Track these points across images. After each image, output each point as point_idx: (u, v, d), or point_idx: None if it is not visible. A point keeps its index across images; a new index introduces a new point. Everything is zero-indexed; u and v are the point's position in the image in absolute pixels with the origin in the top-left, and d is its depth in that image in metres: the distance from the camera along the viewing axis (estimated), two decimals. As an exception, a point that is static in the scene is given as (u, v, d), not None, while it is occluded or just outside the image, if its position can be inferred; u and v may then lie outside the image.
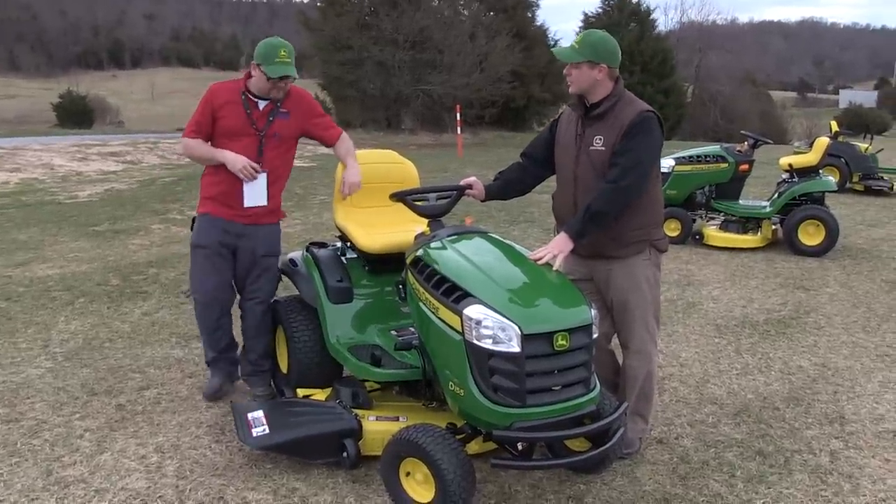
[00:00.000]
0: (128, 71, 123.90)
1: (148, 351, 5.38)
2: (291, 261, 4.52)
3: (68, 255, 8.39)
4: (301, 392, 4.17)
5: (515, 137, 29.34)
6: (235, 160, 4.17)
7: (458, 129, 21.77)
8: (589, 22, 38.41)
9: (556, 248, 3.49)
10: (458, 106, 22.29)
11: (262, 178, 4.26)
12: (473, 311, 3.07)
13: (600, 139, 3.62)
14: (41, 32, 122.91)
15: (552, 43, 37.21)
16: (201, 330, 4.56)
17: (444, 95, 28.44)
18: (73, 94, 49.32)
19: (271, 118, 4.27)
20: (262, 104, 4.27)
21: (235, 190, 4.26)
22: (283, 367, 4.50)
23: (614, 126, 3.59)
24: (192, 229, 4.46)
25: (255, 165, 4.20)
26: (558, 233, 3.92)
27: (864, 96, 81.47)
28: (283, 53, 4.11)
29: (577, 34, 3.73)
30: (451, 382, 3.24)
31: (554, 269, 3.43)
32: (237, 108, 4.25)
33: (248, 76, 4.29)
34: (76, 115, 45.21)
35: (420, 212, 3.80)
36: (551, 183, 3.96)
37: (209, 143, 4.33)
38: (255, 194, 4.26)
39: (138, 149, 20.23)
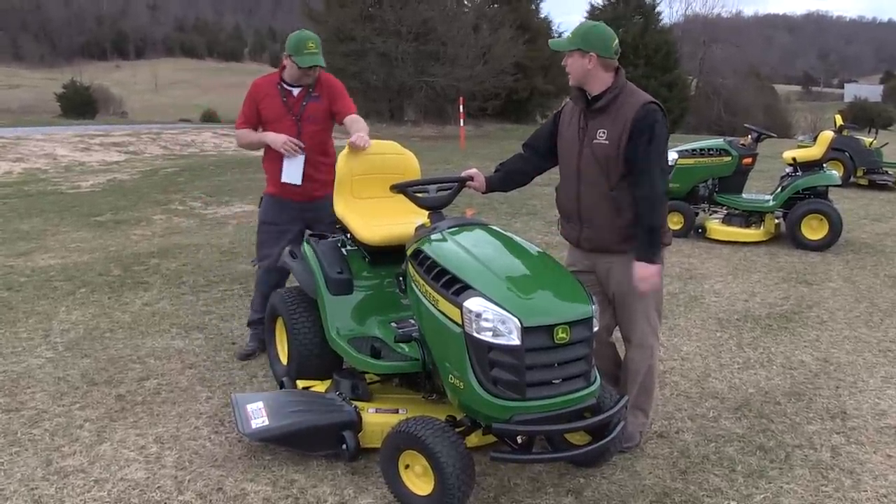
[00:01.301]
0: (131, 61, 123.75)
1: (148, 341, 5.37)
2: (291, 252, 4.51)
3: (70, 245, 8.39)
4: (301, 384, 4.16)
5: (518, 129, 29.31)
6: (276, 139, 4.79)
7: (461, 120, 21.72)
8: (595, 14, 38.23)
9: (644, 281, 3.60)
10: (461, 98, 22.24)
11: (300, 159, 4.81)
12: (473, 303, 3.06)
13: (603, 133, 3.60)
14: (45, 22, 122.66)
15: (556, 35, 37.12)
16: (257, 291, 5.20)
17: (447, 87, 28.39)
18: (77, 84, 49.17)
19: (304, 102, 4.84)
20: (295, 91, 4.85)
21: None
22: (284, 358, 4.49)
23: (617, 119, 3.57)
24: (259, 206, 5.15)
25: (296, 141, 4.77)
26: (564, 227, 3.91)
27: (869, 90, 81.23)
28: (311, 45, 4.66)
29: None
30: (450, 375, 3.23)
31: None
32: (275, 98, 4.85)
33: (283, 68, 4.85)
34: (80, 105, 45.10)
35: (421, 203, 3.78)
36: (553, 175, 3.94)
37: (257, 130, 4.98)
38: (291, 172, 4.83)
39: (141, 139, 20.23)
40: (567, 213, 3.86)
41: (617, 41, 3.63)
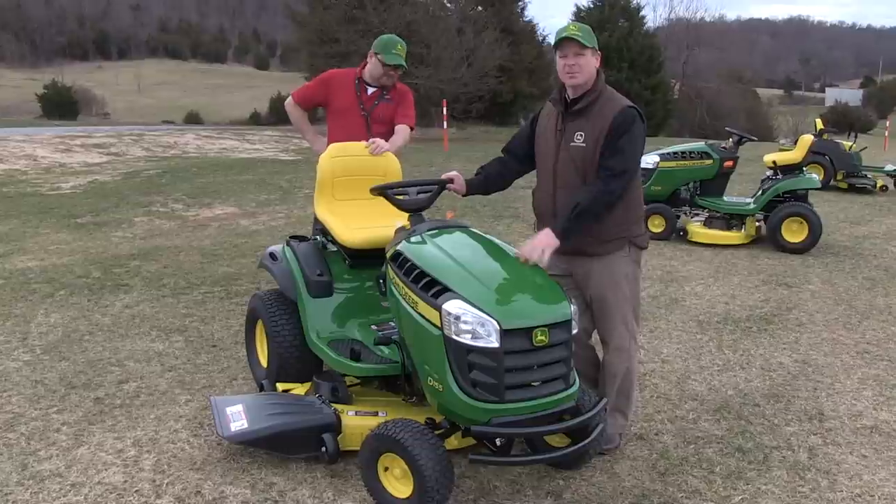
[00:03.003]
0: (114, 62, 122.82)
1: (128, 344, 5.33)
2: (271, 254, 4.49)
3: (49, 248, 8.32)
4: (281, 386, 4.14)
5: (502, 132, 29.32)
6: (317, 149, 4.99)
7: (445, 123, 21.74)
8: (580, 17, 38.36)
9: (540, 245, 3.45)
10: (444, 101, 22.27)
11: None
12: (452, 306, 3.06)
13: (581, 135, 3.61)
14: (26, 22, 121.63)
15: (540, 39, 37.20)
16: None
17: (431, 90, 28.35)
18: (59, 85, 48.92)
19: (377, 102, 5.05)
20: (370, 90, 5.07)
21: None
22: (264, 361, 4.47)
23: (596, 122, 3.58)
24: None
25: None
26: (540, 229, 3.91)
27: (850, 95, 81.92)
28: (399, 48, 4.94)
29: (570, 24, 3.69)
30: (430, 377, 3.23)
31: (543, 265, 3.42)
32: (349, 91, 5.05)
33: (364, 66, 5.07)
34: (61, 106, 44.89)
35: (400, 206, 3.77)
36: (535, 178, 3.94)
37: (307, 113, 5.34)
38: None
39: (123, 140, 20.09)
40: (543, 216, 3.85)
41: None
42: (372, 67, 5.02)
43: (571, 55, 3.58)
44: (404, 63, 4.98)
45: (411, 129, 5.08)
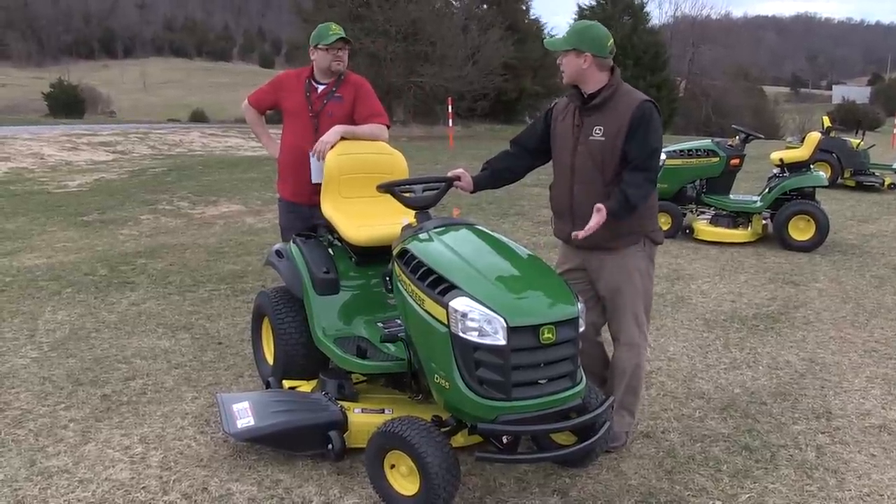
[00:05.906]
0: (120, 60, 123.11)
1: (134, 341, 5.34)
2: (278, 252, 4.49)
3: (56, 245, 8.34)
4: (287, 384, 4.15)
5: (507, 130, 29.32)
6: (271, 153, 5.08)
7: (450, 121, 21.72)
8: (583, 15, 38.34)
9: (592, 226, 3.46)
10: (449, 99, 22.25)
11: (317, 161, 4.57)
12: (459, 303, 3.05)
13: (600, 129, 3.62)
14: (32, 20, 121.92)
15: (546, 36, 37.13)
16: None
17: (436, 88, 28.38)
18: (65, 83, 48.96)
19: (325, 101, 4.75)
20: (320, 88, 4.80)
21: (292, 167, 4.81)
22: (270, 358, 4.48)
23: (614, 116, 3.60)
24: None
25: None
26: (556, 225, 3.91)
27: (857, 92, 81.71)
28: (334, 28, 4.71)
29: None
30: (436, 375, 3.22)
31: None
32: (299, 92, 4.81)
33: (312, 66, 4.82)
34: (67, 104, 44.89)
35: (407, 203, 3.77)
36: (542, 176, 3.94)
37: (263, 116, 5.15)
38: (318, 173, 4.56)
39: (129, 139, 20.12)
40: (560, 211, 3.86)
41: (612, 41, 3.64)
42: (319, 60, 4.73)
43: (559, 55, 3.69)
44: (345, 35, 4.72)
45: (387, 126, 4.81)
